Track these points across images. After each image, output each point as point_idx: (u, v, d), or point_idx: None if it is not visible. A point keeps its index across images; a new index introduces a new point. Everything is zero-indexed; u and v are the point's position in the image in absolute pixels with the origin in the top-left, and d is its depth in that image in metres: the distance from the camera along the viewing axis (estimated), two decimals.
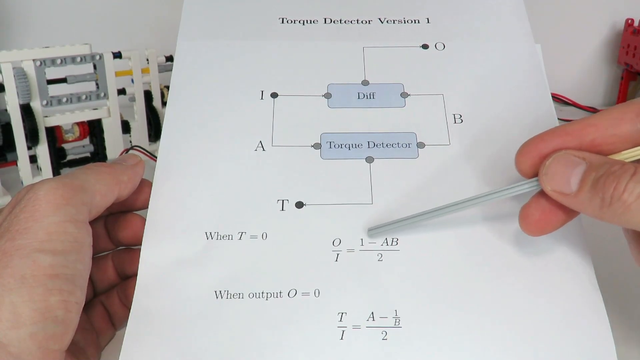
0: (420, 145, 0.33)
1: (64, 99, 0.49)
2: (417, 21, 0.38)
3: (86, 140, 0.53)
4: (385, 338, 0.27)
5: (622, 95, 0.76)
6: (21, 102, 0.47)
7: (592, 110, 0.73)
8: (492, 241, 0.30)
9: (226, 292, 0.29)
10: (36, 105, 0.48)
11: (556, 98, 0.73)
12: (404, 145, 0.33)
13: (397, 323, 0.28)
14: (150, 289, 0.29)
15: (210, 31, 0.38)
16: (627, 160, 0.26)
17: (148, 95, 0.55)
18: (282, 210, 0.31)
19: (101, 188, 0.29)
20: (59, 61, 0.48)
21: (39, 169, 0.50)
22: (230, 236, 0.30)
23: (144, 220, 0.31)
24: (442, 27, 0.38)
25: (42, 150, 0.49)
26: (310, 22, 0.38)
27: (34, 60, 0.47)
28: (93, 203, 0.28)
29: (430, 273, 0.29)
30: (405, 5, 0.39)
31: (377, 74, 0.36)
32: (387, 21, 0.38)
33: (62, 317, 0.25)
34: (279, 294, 0.29)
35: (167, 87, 0.52)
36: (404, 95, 0.35)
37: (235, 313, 0.28)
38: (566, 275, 0.29)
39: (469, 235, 0.30)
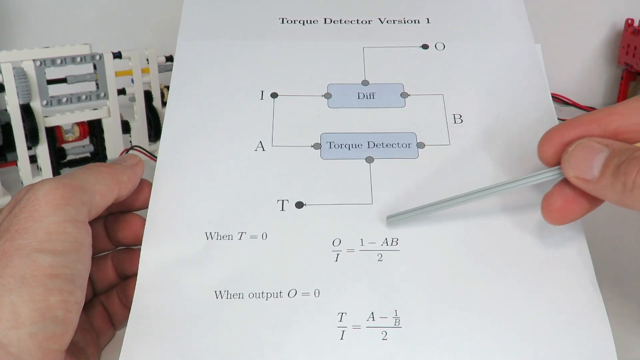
0: (420, 145, 0.33)
1: (64, 99, 0.49)
2: (417, 21, 0.38)
3: (86, 140, 0.52)
4: (385, 338, 0.27)
5: (622, 95, 0.76)
6: (21, 102, 0.47)
7: (592, 110, 0.73)
8: (492, 241, 0.30)
9: (226, 292, 0.29)
10: (36, 105, 0.48)
11: (556, 98, 0.73)
12: (404, 145, 0.33)
13: (397, 323, 0.28)
14: (150, 289, 0.29)
15: (210, 31, 0.38)
16: None
17: (148, 95, 0.55)
18: (282, 210, 0.31)
19: (101, 188, 0.29)
20: (59, 61, 0.48)
21: (39, 169, 0.50)
22: (230, 236, 0.30)
23: (144, 220, 0.31)
24: (442, 27, 0.38)
25: (42, 150, 0.49)
26: (310, 22, 0.38)
27: (34, 60, 0.47)
28: (93, 203, 0.28)
29: (430, 273, 0.29)
30: (405, 5, 0.39)
31: (377, 74, 0.36)
32: (387, 21, 0.38)
33: (61, 317, 0.25)
34: (279, 294, 0.29)
35: (167, 87, 0.52)
36: (404, 95, 0.35)
37: (235, 313, 0.28)
38: (566, 275, 0.29)
39: (469, 235, 0.30)
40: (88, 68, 0.50)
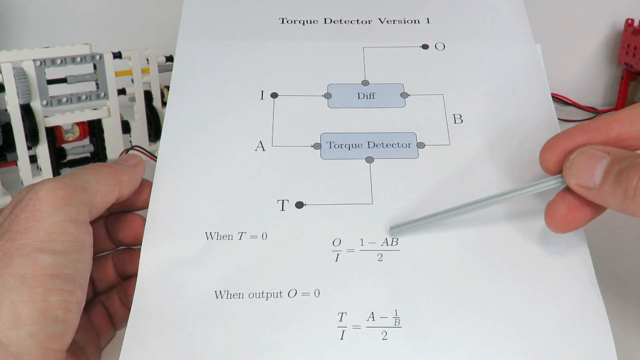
0: (420, 145, 0.33)
1: (64, 99, 0.49)
2: (417, 21, 0.38)
3: (86, 140, 0.53)
4: (385, 338, 0.27)
5: (622, 95, 0.76)
6: (21, 102, 0.47)
7: (592, 110, 0.73)
8: (491, 241, 0.30)
9: (226, 292, 0.29)
10: (36, 105, 0.48)
11: (556, 98, 0.73)
12: (404, 145, 0.33)
13: (397, 323, 0.28)
14: (150, 289, 0.29)
15: (210, 31, 0.38)
16: None
17: (148, 95, 0.55)
18: (282, 210, 0.31)
19: (101, 188, 0.29)
20: (59, 61, 0.48)
21: (39, 169, 0.50)
22: (230, 236, 0.30)
23: (144, 220, 0.31)
24: (442, 27, 0.38)
25: (42, 150, 0.49)
26: (310, 22, 0.38)
27: (34, 60, 0.47)
28: (93, 203, 0.28)
29: (430, 273, 0.29)
30: (405, 5, 0.39)
31: (377, 74, 0.36)
32: (387, 21, 0.38)
33: (62, 317, 0.25)
34: (279, 294, 0.29)
35: (167, 87, 0.52)
36: (404, 95, 0.35)
37: (235, 313, 0.28)
38: (566, 275, 0.29)
39: (469, 236, 0.30)
40: (88, 68, 0.50)
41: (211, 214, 0.31)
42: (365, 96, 0.35)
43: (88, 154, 0.53)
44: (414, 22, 0.38)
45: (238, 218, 0.31)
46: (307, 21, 0.38)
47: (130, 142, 0.55)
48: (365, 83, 0.36)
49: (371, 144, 0.33)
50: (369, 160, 0.33)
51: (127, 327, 0.28)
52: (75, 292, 0.25)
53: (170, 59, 0.56)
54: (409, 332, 0.28)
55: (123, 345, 0.27)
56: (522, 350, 0.27)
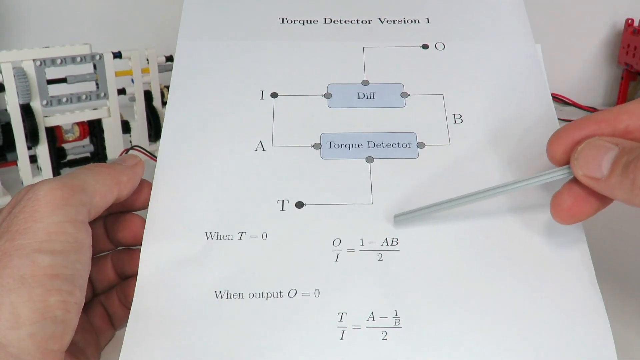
0: (420, 145, 0.33)
1: (64, 99, 0.49)
2: (417, 21, 0.38)
3: (86, 140, 0.53)
4: (385, 338, 0.27)
5: (622, 95, 0.76)
6: (21, 102, 0.47)
7: (592, 110, 0.73)
8: (492, 241, 0.30)
9: (226, 292, 0.29)
10: (36, 105, 0.48)
11: (556, 98, 0.73)
12: (404, 145, 0.33)
13: (397, 323, 0.28)
14: (150, 289, 0.29)
15: (210, 31, 0.38)
16: None
17: (148, 95, 0.55)
18: (282, 210, 0.31)
19: (101, 188, 0.29)
20: (59, 61, 0.48)
21: (39, 169, 0.50)
22: (230, 236, 0.30)
23: (144, 220, 0.31)
24: (442, 27, 0.38)
25: (42, 150, 0.49)
26: (310, 22, 0.38)
27: (34, 60, 0.47)
28: (92, 203, 0.28)
29: (431, 273, 0.29)
30: (405, 5, 0.39)
31: (377, 74, 0.36)
32: (387, 21, 0.38)
33: (61, 317, 0.25)
34: (279, 294, 0.29)
35: (167, 87, 0.52)
36: (404, 95, 0.35)
37: (235, 313, 0.28)
38: (566, 275, 0.29)
39: (469, 235, 0.30)
40: (88, 68, 0.50)
41: (211, 214, 0.31)
42: (365, 96, 0.35)
43: (88, 154, 0.53)
44: (414, 22, 0.38)
45: (238, 218, 0.31)
46: (307, 21, 0.38)
47: (130, 142, 0.55)
48: (365, 83, 0.36)
49: (371, 144, 0.33)
50: (369, 160, 0.33)
51: (127, 327, 0.28)
52: (74, 292, 0.25)
53: (170, 59, 0.56)
54: (409, 332, 0.28)
55: (123, 345, 0.27)
56: (522, 350, 0.27)
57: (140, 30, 0.71)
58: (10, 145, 0.49)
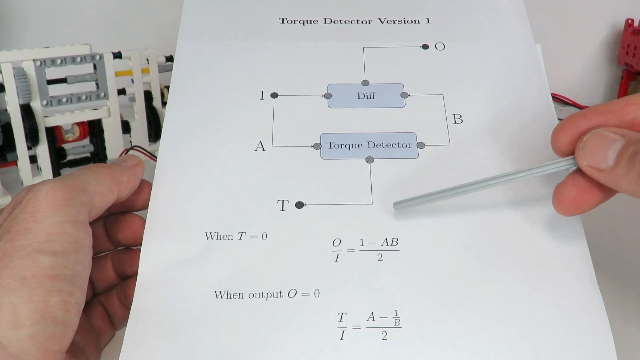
0: (420, 145, 0.33)
1: (64, 99, 0.49)
2: (417, 21, 0.38)
3: (86, 140, 0.53)
4: (385, 338, 0.27)
5: (622, 95, 0.76)
6: (21, 102, 0.47)
7: None
8: (491, 241, 0.30)
9: (226, 292, 0.29)
10: (36, 105, 0.48)
11: (556, 98, 0.73)
12: (404, 145, 0.33)
13: (397, 323, 0.28)
14: (150, 289, 0.29)
15: (210, 31, 0.38)
16: None
17: (148, 95, 0.55)
18: (282, 210, 0.31)
19: (101, 189, 0.29)
20: (59, 61, 0.48)
21: (39, 169, 0.50)
22: (230, 236, 0.30)
23: (144, 220, 0.31)
24: (442, 27, 0.38)
25: (42, 150, 0.49)
26: (310, 22, 0.38)
27: (34, 60, 0.47)
28: (93, 204, 0.28)
29: (431, 273, 0.29)
30: (405, 5, 0.39)
31: (377, 74, 0.36)
32: (387, 21, 0.38)
33: (61, 317, 0.25)
34: (279, 294, 0.29)
35: (167, 87, 0.52)
36: (404, 95, 0.35)
37: (235, 313, 0.28)
38: (566, 275, 0.29)
39: (469, 236, 0.30)
40: (88, 68, 0.50)
41: (211, 214, 0.31)
42: (365, 96, 0.35)
43: (88, 154, 0.53)
44: (414, 22, 0.38)
45: (238, 218, 0.31)
46: (307, 21, 0.38)
47: (130, 142, 0.55)
48: (365, 83, 0.36)
49: (371, 144, 0.33)
50: (369, 160, 0.33)
51: (127, 327, 0.28)
52: (74, 293, 0.25)
53: (170, 59, 0.56)
54: (409, 332, 0.28)
55: (123, 345, 0.27)
56: (522, 350, 0.27)
57: (140, 30, 0.71)
58: (10, 145, 0.48)
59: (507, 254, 0.30)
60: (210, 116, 0.34)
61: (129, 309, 0.29)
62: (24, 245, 0.25)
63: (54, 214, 0.26)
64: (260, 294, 0.29)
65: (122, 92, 0.53)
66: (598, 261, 0.30)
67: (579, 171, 0.27)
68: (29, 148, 0.49)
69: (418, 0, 0.39)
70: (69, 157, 0.52)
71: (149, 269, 0.30)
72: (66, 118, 0.50)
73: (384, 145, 0.33)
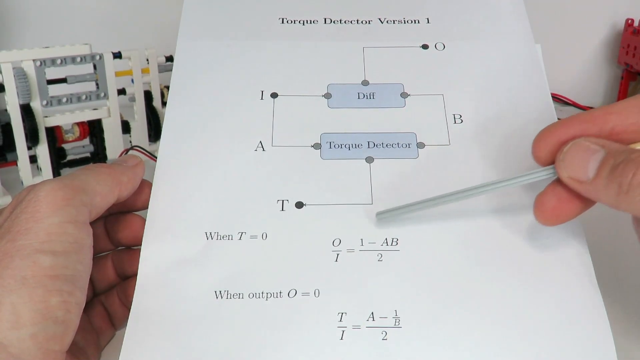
0: (420, 145, 0.33)
1: (64, 99, 0.49)
2: (417, 21, 0.38)
3: (86, 141, 0.53)
4: (385, 338, 0.27)
5: (622, 95, 0.76)
6: (21, 102, 0.47)
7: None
8: (492, 241, 0.30)
9: (226, 292, 0.29)
10: (36, 105, 0.48)
11: (556, 98, 0.73)
12: (404, 145, 0.33)
13: (397, 323, 0.28)
14: (150, 289, 0.29)
15: (210, 31, 0.38)
16: None
17: (148, 95, 0.55)
18: (282, 210, 0.31)
19: (101, 189, 0.29)
20: (59, 61, 0.48)
21: (39, 169, 0.50)
22: (230, 236, 0.30)
23: (144, 220, 0.31)
24: (442, 27, 0.38)
25: (42, 150, 0.49)
26: (310, 22, 0.38)
27: (34, 60, 0.47)
28: (93, 204, 0.28)
29: (430, 273, 0.29)
30: (405, 5, 0.39)
31: (377, 74, 0.36)
32: (387, 21, 0.38)
33: (62, 317, 0.25)
34: (279, 294, 0.29)
35: (167, 87, 0.52)
36: (404, 95, 0.35)
37: (235, 313, 0.28)
38: (566, 275, 0.29)
39: (469, 236, 0.30)
40: (88, 68, 0.50)
41: (211, 214, 0.31)
42: (365, 96, 0.35)
43: (88, 154, 0.53)
44: (414, 22, 0.38)
45: (238, 218, 0.31)
46: (307, 21, 0.38)
47: (130, 142, 0.55)
48: (365, 83, 0.36)
49: (371, 144, 0.33)
50: (369, 160, 0.33)
51: (127, 327, 0.28)
52: (75, 293, 0.25)
53: (170, 59, 0.56)
54: (409, 332, 0.28)
55: (123, 345, 0.27)
56: (522, 350, 0.27)
57: (140, 30, 0.71)
58: (10, 145, 0.49)
59: (507, 254, 0.30)
60: (210, 116, 0.34)
61: (129, 309, 0.29)
62: (25, 245, 0.25)
63: (54, 214, 0.26)
64: (260, 294, 0.29)
65: (122, 92, 0.53)
66: (598, 261, 0.30)
67: (559, 181, 0.27)
68: (29, 148, 0.49)
69: (418, 0, 0.39)
70: (69, 157, 0.52)
71: (149, 269, 0.30)
72: (66, 118, 0.50)
73: (384, 145, 0.33)
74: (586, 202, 0.27)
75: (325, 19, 0.38)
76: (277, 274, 0.29)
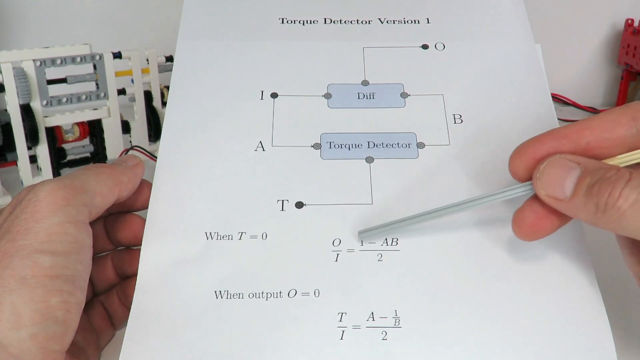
0: (420, 145, 0.33)
1: (64, 99, 0.49)
2: (417, 21, 0.38)
3: (86, 141, 0.53)
4: (385, 338, 0.27)
5: (622, 95, 0.76)
6: (21, 102, 0.47)
7: (592, 110, 0.73)
8: (492, 241, 0.30)
9: (226, 292, 0.29)
10: (36, 105, 0.48)
11: (556, 98, 0.73)
12: (404, 145, 0.33)
13: (397, 323, 0.28)
14: (150, 289, 0.29)
15: (210, 31, 0.38)
16: (622, 165, 0.26)
17: (148, 95, 0.55)
18: (282, 210, 0.31)
19: (101, 189, 0.29)
20: (59, 61, 0.48)
21: (39, 169, 0.50)
22: (230, 236, 0.30)
23: (144, 220, 0.31)
24: (442, 27, 0.38)
25: (42, 150, 0.49)
26: (310, 22, 0.38)
27: (34, 60, 0.47)
28: (93, 204, 0.28)
29: (430, 273, 0.29)
30: (405, 5, 0.39)
31: (377, 74, 0.36)
32: (387, 21, 0.38)
33: (62, 317, 0.25)
34: (279, 294, 0.29)
35: (167, 87, 0.52)
36: (404, 95, 0.35)
37: (235, 313, 0.28)
38: (566, 276, 0.29)
39: (469, 236, 0.30)
40: (88, 68, 0.50)
41: (211, 214, 0.31)
42: (365, 96, 0.35)
43: (88, 154, 0.53)
44: (414, 22, 0.38)
45: (238, 218, 0.31)
46: (307, 21, 0.38)
47: (130, 142, 0.55)
48: (365, 83, 0.36)
49: (371, 144, 0.33)
50: (369, 160, 0.33)
51: (127, 327, 0.28)
52: (75, 293, 0.25)
53: (170, 59, 0.56)
54: (409, 332, 0.28)
55: (123, 345, 0.27)
56: (522, 350, 0.27)
57: (140, 30, 0.71)
58: (10, 145, 0.49)
59: (507, 254, 0.30)
60: (210, 116, 0.34)
61: (129, 309, 0.29)
62: (25, 245, 0.25)
63: (54, 213, 0.26)
64: (260, 294, 0.29)
65: (122, 92, 0.53)
66: (598, 261, 0.30)
67: (537, 197, 0.27)
68: (29, 148, 0.49)
69: (418, 0, 0.39)
70: (69, 157, 0.52)
71: (149, 269, 0.30)
72: (66, 118, 0.50)
73: (384, 145, 0.33)
74: (564, 218, 0.27)
75: (325, 19, 0.38)
76: (277, 274, 0.29)
